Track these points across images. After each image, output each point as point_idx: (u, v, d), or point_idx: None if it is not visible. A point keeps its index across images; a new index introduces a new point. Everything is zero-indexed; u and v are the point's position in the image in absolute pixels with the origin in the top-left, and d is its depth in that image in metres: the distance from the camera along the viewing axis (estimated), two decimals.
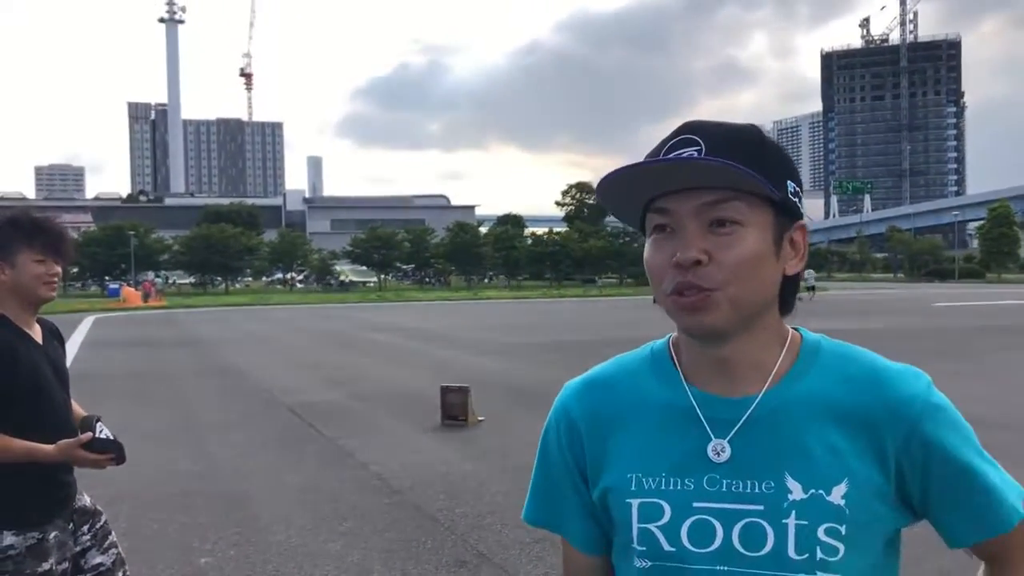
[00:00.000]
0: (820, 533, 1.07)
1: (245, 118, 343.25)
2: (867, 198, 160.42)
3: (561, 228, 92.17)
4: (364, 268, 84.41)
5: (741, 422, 1.11)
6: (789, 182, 1.11)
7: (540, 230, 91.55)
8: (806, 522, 1.07)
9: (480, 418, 9.67)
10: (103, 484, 7.14)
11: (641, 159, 1.11)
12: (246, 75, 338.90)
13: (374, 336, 23.39)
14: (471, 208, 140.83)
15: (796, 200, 1.12)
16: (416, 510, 6.30)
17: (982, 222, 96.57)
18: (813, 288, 46.18)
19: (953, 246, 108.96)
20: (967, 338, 19.89)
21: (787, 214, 1.11)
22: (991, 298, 42.24)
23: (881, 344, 18.65)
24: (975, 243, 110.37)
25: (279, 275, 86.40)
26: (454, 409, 9.61)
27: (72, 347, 20.81)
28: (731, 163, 1.02)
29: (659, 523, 1.12)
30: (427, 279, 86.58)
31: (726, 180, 1.04)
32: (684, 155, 1.06)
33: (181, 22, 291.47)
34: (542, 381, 12.97)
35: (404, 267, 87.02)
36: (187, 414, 10.77)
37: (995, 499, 1.11)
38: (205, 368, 16.06)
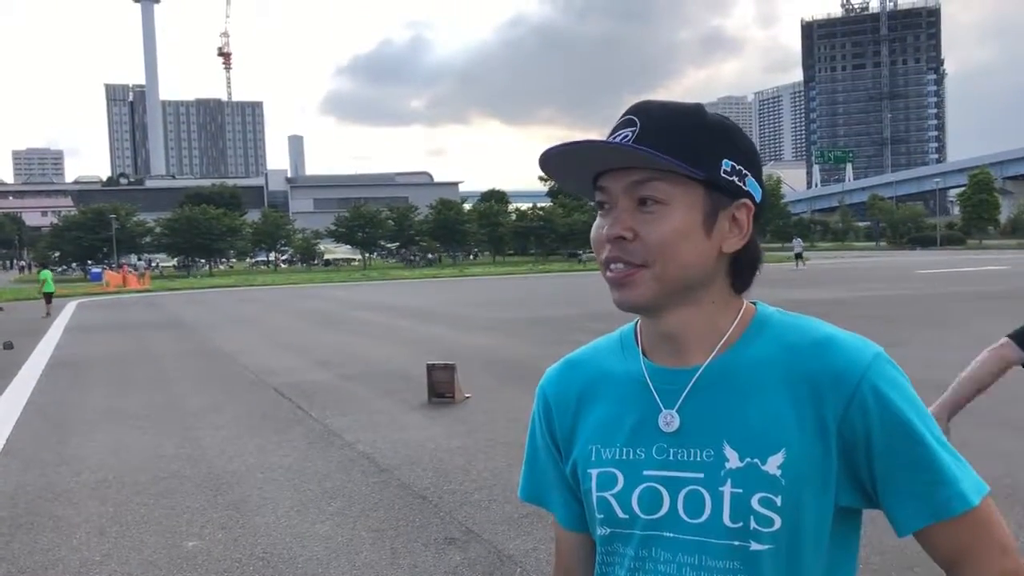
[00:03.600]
0: (754, 502, 1.07)
1: (224, 98, 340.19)
2: (849, 167, 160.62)
3: (545, 203, 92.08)
4: (348, 247, 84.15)
5: (686, 391, 1.14)
6: (725, 160, 1.11)
7: (524, 205, 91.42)
8: (741, 490, 1.08)
9: (467, 395, 9.68)
10: (89, 469, 7.15)
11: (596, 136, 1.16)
12: (224, 54, 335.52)
13: (359, 315, 23.36)
14: (454, 185, 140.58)
15: (734, 178, 1.12)
16: (404, 488, 6.31)
17: (963, 189, 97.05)
18: (800, 256, 46.36)
19: (935, 213, 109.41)
20: (948, 305, 20.02)
21: (723, 192, 1.11)
22: (972, 264, 42.54)
23: (863, 312, 18.84)
24: (956, 210, 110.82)
25: (263, 256, 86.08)
26: (441, 386, 9.61)
27: (55, 332, 20.69)
28: (640, 147, 1.06)
29: (613, 491, 1.16)
30: (412, 257, 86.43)
31: (642, 161, 1.08)
32: (623, 137, 1.10)
33: (157, 1, 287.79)
34: (529, 356, 13.00)
35: (388, 245, 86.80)
36: (172, 397, 10.73)
37: (943, 480, 1.07)
38: (190, 351, 16.00)
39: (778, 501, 1.07)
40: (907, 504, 1.08)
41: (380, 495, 6.17)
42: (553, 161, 1.13)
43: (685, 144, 1.09)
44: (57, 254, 67.78)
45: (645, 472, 1.14)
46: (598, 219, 1.15)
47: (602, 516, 1.17)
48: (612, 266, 1.11)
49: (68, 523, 5.78)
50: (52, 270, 37.40)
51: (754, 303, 1.20)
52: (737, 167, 1.13)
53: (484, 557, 4.89)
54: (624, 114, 1.15)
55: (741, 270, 1.17)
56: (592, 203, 1.18)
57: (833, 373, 1.08)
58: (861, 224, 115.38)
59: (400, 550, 5.04)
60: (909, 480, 1.07)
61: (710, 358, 1.14)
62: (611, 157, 1.11)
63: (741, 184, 1.13)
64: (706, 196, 1.11)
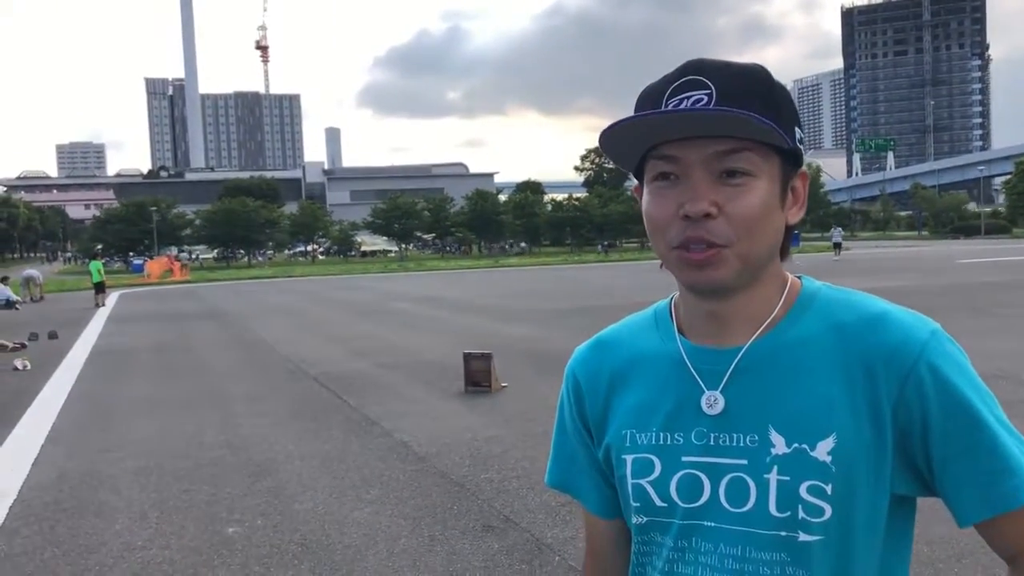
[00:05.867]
0: (802, 491, 1.01)
1: (262, 91, 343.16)
2: (890, 155, 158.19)
3: (581, 193, 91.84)
4: (384, 238, 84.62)
5: (729, 372, 1.07)
6: (796, 128, 1.06)
7: (560, 196, 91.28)
8: (788, 478, 1.02)
9: (503, 384, 9.67)
10: (132, 456, 7.25)
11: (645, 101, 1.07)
12: (262, 48, 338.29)
13: (397, 305, 23.46)
14: (490, 176, 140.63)
15: (802, 147, 1.08)
16: (442, 476, 6.32)
17: (1009, 176, 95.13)
18: (839, 245, 45.68)
19: (979, 202, 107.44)
20: (992, 294, 19.62)
21: (792, 162, 1.06)
22: (1017, 253, 41.71)
23: (903, 302, 18.34)
24: (1001, 198, 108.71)
25: (301, 247, 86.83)
26: (477, 376, 9.62)
27: (98, 322, 21.03)
28: (753, 115, 0.97)
29: (650, 478, 1.10)
30: (448, 248, 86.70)
31: (741, 130, 0.99)
32: (695, 100, 1.00)
33: None
34: (565, 346, 12.92)
35: (424, 236, 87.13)
36: (213, 386, 10.85)
37: (1007, 467, 0.99)
38: (230, 341, 16.17)
39: (828, 489, 1.00)
40: (967, 493, 1.00)
41: (418, 483, 6.18)
42: (620, 133, 1.02)
43: (769, 111, 1.00)
44: (100, 246, 68.93)
45: (684, 458, 1.08)
46: (658, 192, 1.04)
47: (638, 504, 1.12)
48: (692, 246, 1.01)
49: (111, 508, 5.86)
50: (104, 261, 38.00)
51: (799, 277, 1.13)
52: (802, 136, 1.08)
53: (522, 545, 4.88)
54: (680, 72, 1.04)
55: (787, 242, 1.11)
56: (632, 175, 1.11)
57: (887, 351, 1.01)
58: (903, 213, 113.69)
59: (438, 537, 5.04)
60: (969, 467, 1.00)
61: (754, 337, 1.07)
62: (693, 124, 1.00)
63: (804, 153, 1.09)
64: (782, 166, 1.05)
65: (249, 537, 5.19)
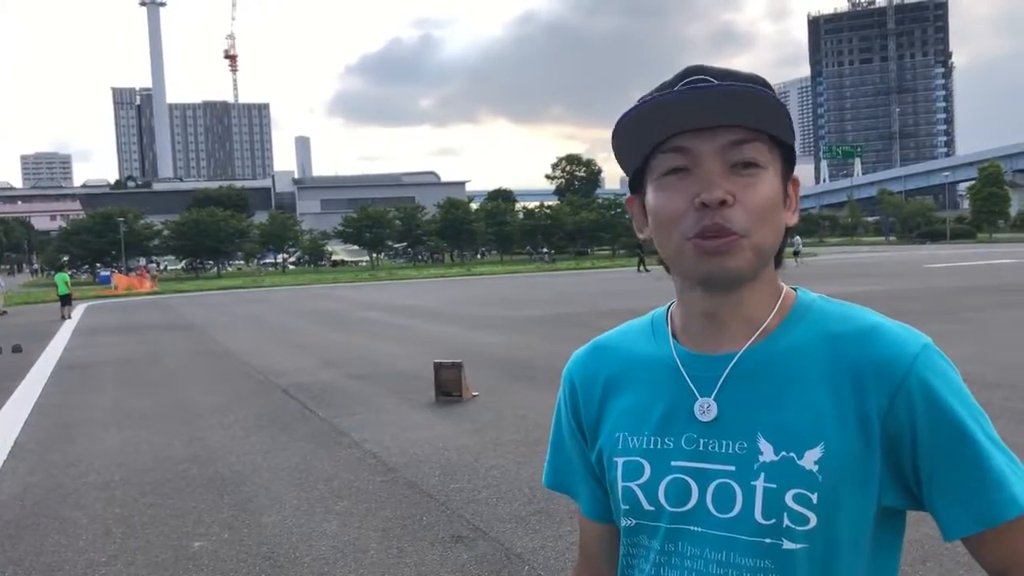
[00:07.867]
0: (788, 499, 1.02)
1: (231, 100, 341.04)
2: (857, 162, 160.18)
3: (552, 201, 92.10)
4: (356, 247, 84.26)
5: (722, 379, 1.08)
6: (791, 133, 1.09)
7: (531, 204, 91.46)
8: (774, 486, 1.02)
9: (475, 393, 9.65)
10: (96, 471, 7.15)
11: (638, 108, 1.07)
12: (230, 57, 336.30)
13: (367, 315, 23.35)
14: (461, 184, 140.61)
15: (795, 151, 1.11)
16: (411, 487, 6.28)
17: (973, 182, 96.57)
18: (798, 253, 46.02)
19: (944, 207, 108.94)
20: (958, 298, 19.89)
21: (789, 164, 1.09)
22: (982, 258, 42.30)
23: (871, 307, 18.56)
24: (966, 204, 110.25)
25: (271, 257, 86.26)
26: (448, 385, 9.58)
27: (64, 335, 20.74)
28: (760, 87, 1.00)
29: (639, 481, 1.11)
30: (419, 257, 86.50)
31: (753, 111, 1.01)
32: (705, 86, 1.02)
33: (163, 4, 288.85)
34: (536, 354, 12.96)
35: (396, 246, 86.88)
36: (180, 398, 10.73)
37: (994, 482, 0.99)
38: (198, 352, 16.01)
39: (814, 498, 1.01)
40: (954, 507, 1.01)
41: (387, 494, 6.14)
42: (633, 123, 1.04)
43: (768, 108, 1.02)
44: (66, 258, 68.02)
45: (673, 463, 1.09)
46: (669, 186, 1.05)
47: (627, 507, 1.13)
48: (710, 235, 1.01)
49: (75, 524, 5.76)
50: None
51: (794, 288, 1.15)
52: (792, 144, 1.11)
53: (491, 555, 4.86)
54: (683, 76, 1.05)
55: (780, 248, 1.12)
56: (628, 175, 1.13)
57: (878, 364, 1.02)
58: (870, 219, 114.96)
59: (407, 548, 5.01)
60: (956, 481, 1.00)
61: (747, 345, 1.08)
62: (702, 112, 1.01)
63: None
64: (783, 165, 1.07)
65: (216, 552, 5.12)
